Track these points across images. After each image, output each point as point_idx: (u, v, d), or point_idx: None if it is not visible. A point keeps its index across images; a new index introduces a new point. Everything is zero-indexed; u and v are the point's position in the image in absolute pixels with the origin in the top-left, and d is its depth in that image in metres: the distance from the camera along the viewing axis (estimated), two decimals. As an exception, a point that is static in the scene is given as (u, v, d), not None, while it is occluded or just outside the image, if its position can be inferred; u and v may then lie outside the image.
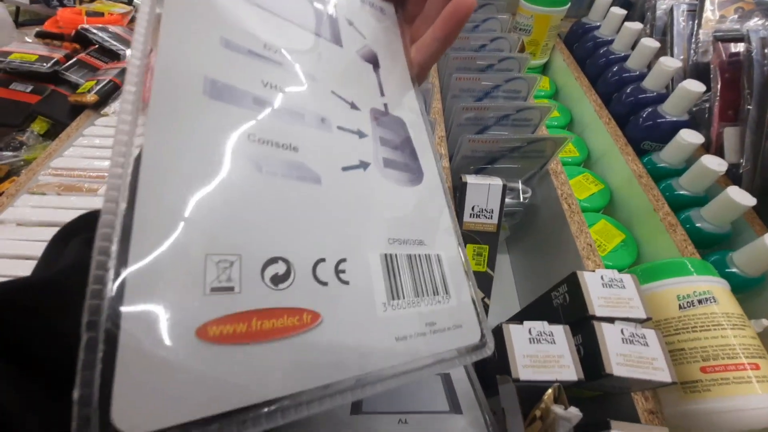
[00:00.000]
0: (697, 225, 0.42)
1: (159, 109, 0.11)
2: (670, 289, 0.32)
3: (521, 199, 0.47)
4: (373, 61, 0.20)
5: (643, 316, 0.27)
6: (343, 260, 0.13)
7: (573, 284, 0.29)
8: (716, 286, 0.31)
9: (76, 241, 0.16)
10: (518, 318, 0.41)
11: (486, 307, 0.44)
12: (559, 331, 0.26)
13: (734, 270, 0.39)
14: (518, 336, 0.25)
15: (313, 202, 0.13)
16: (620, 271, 0.44)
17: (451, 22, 0.20)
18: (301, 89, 0.15)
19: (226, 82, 0.13)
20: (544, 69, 0.74)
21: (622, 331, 0.26)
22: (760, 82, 0.47)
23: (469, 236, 0.41)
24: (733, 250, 0.40)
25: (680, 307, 0.31)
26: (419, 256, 0.15)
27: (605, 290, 0.28)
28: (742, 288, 0.39)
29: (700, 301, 0.30)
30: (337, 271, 0.12)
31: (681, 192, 0.46)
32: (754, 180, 0.46)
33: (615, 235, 0.46)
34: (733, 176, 0.48)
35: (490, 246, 0.41)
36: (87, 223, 0.18)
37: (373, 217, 0.15)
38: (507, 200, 0.48)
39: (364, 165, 0.15)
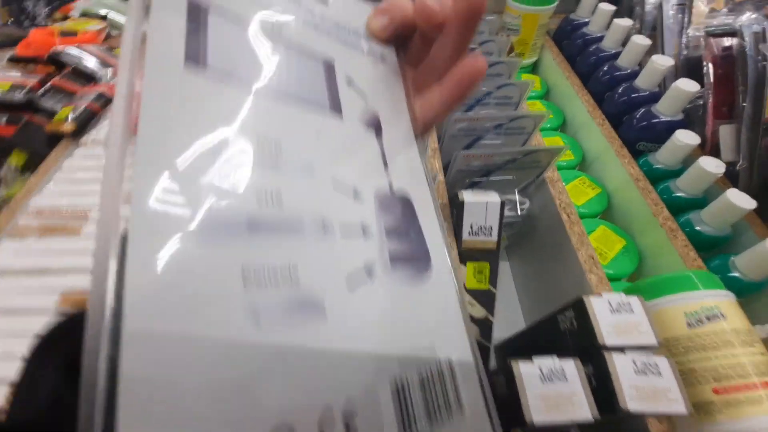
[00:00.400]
0: (696, 228, 0.42)
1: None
2: (676, 306, 0.31)
3: (518, 212, 0.46)
4: (376, 125, 0.18)
5: (654, 342, 0.27)
6: (352, 409, 0.12)
7: (580, 310, 0.29)
8: (723, 300, 0.31)
9: (51, 371, 0.15)
10: (524, 339, 0.41)
11: (490, 325, 0.43)
12: (571, 367, 0.25)
13: (736, 274, 0.38)
14: (529, 376, 0.25)
15: (319, 346, 0.12)
16: (623, 279, 0.44)
17: (462, 86, 0.18)
18: (300, 190, 0.14)
19: (218, 214, 0.12)
20: (533, 68, 0.73)
21: (634, 362, 0.25)
22: (754, 77, 0.47)
23: (468, 254, 0.40)
24: (735, 253, 0.39)
25: (689, 325, 0.30)
26: (431, 374, 0.14)
27: (614, 316, 0.27)
28: (745, 292, 0.38)
29: (708, 318, 0.30)
30: (347, 426, 0.12)
31: (679, 194, 0.45)
32: (751, 178, 0.46)
33: (615, 241, 0.45)
34: (730, 174, 0.48)
35: (491, 263, 0.41)
36: (64, 335, 0.17)
37: (383, 338, 0.14)
38: (505, 213, 0.47)
39: (369, 272, 0.14)
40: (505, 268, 0.57)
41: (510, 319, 0.52)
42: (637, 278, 0.44)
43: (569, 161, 0.55)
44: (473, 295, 0.42)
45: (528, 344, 0.39)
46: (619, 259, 0.44)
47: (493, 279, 0.41)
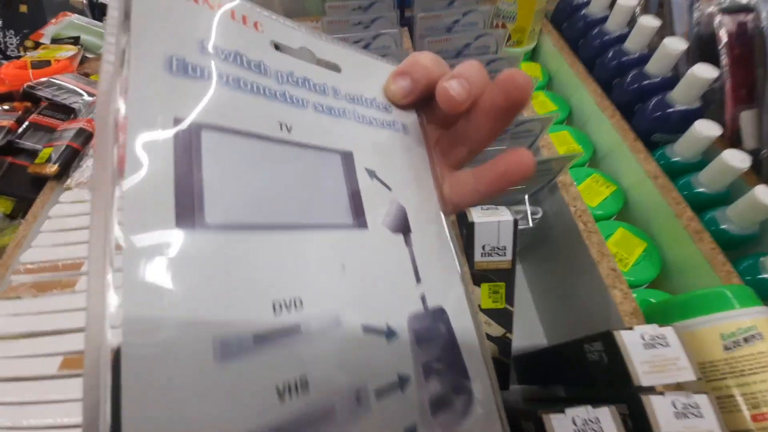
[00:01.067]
0: (722, 227, 0.40)
1: None
2: (712, 327, 0.29)
3: (530, 224, 0.43)
4: (403, 225, 0.16)
5: (693, 378, 0.25)
6: None
7: (610, 345, 0.27)
8: (760, 317, 0.29)
9: None
10: (546, 360, 0.39)
11: (509, 341, 0.42)
12: (606, 416, 0.23)
13: (767, 276, 0.36)
14: (562, 429, 0.23)
15: None
16: (646, 285, 0.42)
17: (502, 183, 0.16)
18: (328, 363, 0.12)
19: None
20: (532, 54, 0.69)
21: (673, 404, 0.24)
22: (774, 55, 0.43)
23: (482, 275, 0.38)
24: (764, 252, 0.37)
25: (725, 348, 0.28)
26: None
27: (648, 352, 0.26)
28: (779, 294, 0.36)
29: (746, 339, 0.28)
30: None
31: (700, 190, 0.42)
32: (776, 166, 0.43)
33: (636, 244, 0.43)
34: (753, 163, 0.45)
35: (507, 282, 0.39)
36: None
37: None
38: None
39: None
40: (518, 271, 0.55)
41: (527, 328, 0.51)
42: (660, 283, 0.42)
43: (580, 158, 0.52)
44: (489, 315, 0.40)
45: (551, 367, 0.37)
46: (641, 264, 0.42)
47: (509, 298, 0.39)
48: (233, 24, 0.14)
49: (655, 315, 0.33)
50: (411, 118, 0.19)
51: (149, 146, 0.11)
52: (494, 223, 0.37)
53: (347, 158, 0.16)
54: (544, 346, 0.49)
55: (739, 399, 0.27)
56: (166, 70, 0.12)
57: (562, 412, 0.24)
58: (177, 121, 0.11)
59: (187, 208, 0.11)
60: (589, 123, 0.55)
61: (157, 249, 0.10)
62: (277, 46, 0.15)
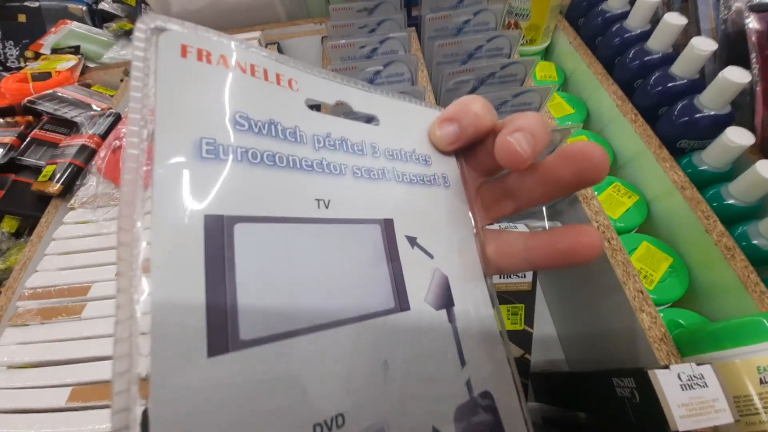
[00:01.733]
0: (754, 242, 0.37)
1: None
2: (747, 359, 0.27)
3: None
4: (447, 299, 0.15)
5: (731, 420, 0.23)
6: None
7: (643, 384, 0.25)
8: (804, 350, 0.27)
9: None
10: (570, 387, 0.38)
11: (527, 363, 0.40)
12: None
13: (806, 296, 0.34)
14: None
15: None
16: (671, 303, 0.40)
17: (564, 260, 0.15)
18: None
19: None
20: (546, 53, 0.66)
21: (714, 453, 0.22)
22: (811, 55, 0.40)
23: (501, 297, 0.37)
24: (802, 269, 0.35)
25: (762, 382, 0.26)
26: None
27: (685, 394, 0.24)
28: (817, 315, 0.34)
29: (789, 375, 0.26)
30: None
31: (731, 202, 0.40)
32: (813, 175, 0.40)
33: (661, 259, 0.41)
34: (786, 170, 0.42)
35: (526, 304, 0.37)
36: None
37: None
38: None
39: None
40: (539, 297, 0.53)
41: (545, 344, 0.49)
42: (688, 301, 0.40)
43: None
44: (508, 336, 0.39)
45: (574, 394, 0.36)
46: (667, 282, 0.40)
47: (529, 319, 0.38)
48: (266, 86, 0.13)
49: (685, 344, 0.31)
50: (451, 165, 0.17)
51: (176, 256, 0.09)
52: (513, 243, 0.35)
53: (388, 227, 0.14)
54: (563, 364, 0.48)
55: (780, 437, 0.25)
56: (196, 157, 0.10)
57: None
58: (208, 219, 0.10)
59: (220, 331, 0.09)
60: (608, 127, 0.53)
61: (188, 386, 0.09)
62: (312, 105, 0.14)
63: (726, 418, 0.23)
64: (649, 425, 0.24)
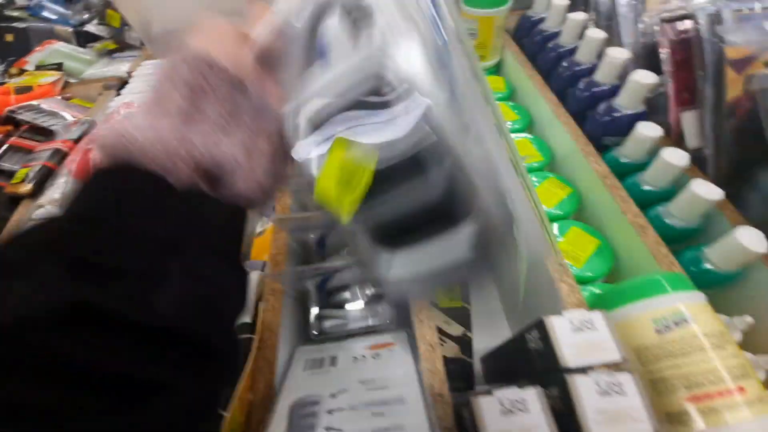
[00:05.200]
0: (666, 222, 0.41)
1: None
2: (644, 312, 0.30)
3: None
4: None
5: (618, 358, 0.26)
6: None
7: (543, 331, 0.28)
8: (692, 302, 0.30)
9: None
10: (502, 354, 0.40)
11: (469, 340, 0.42)
12: (532, 397, 0.24)
13: (709, 266, 0.38)
14: (490, 410, 0.24)
15: None
16: (599, 281, 0.43)
17: None
18: None
19: None
20: (497, 69, 0.73)
21: (597, 383, 0.25)
22: (712, 61, 0.46)
23: (438, 275, 0.40)
24: (707, 243, 0.39)
25: (657, 332, 0.29)
26: None
27: (576, 336, 0.27)
28: (719, 284, 0.38)
29: (676, 323, 0.29)
30: None
31: (647, 188, 0.44)
32: (719, 163, 0.45)
33: (589, 242, 0.45)
34: (698, 160, 0.47)
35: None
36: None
37: None
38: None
39: None
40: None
41: (494, 328, 0.51)
42: (614, 278, 0.44)
43: (539, 162, 0.55)
44: (448, 314, 0.41)
45: (504, 360, 0.38)
46: (594, 261, 0.43)
47: (465, 295, 0.41)
48: None
49: (597, 305, 0.34)
50: None
51: None
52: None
53: None
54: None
55: (673, 381, 0.28)
56: None
57: (491, 394, 0.25)
58: None
59: None
60: (547, 130, 0.58)
61: None
62: None
63: (613, 355, 0.26)
64: (549, 368, 0.27)
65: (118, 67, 0.78)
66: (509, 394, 0.25)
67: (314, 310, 0.39)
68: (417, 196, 0.17)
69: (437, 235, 0.18)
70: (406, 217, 0.17)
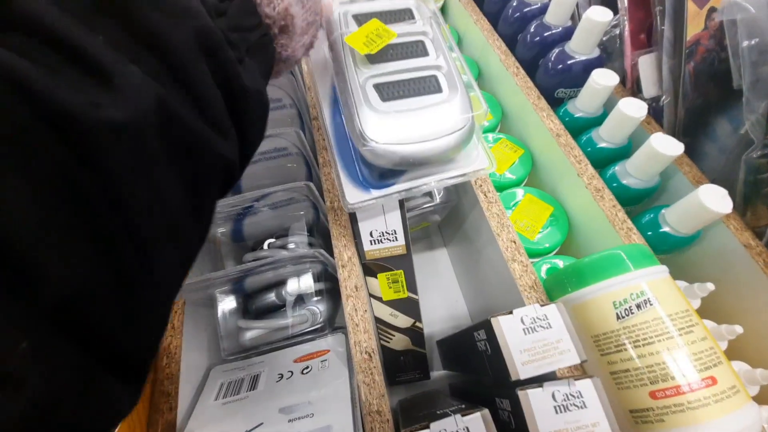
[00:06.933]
0: (623, 182, 0.37)
1: None
2: (604, 294, 0.26)
3: (436, 200, 0.39)
4: None
5: (577, 360, 0.22)
6: None
7: (490, 333, 0.23)
8: (654, 279, 0.26)
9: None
10: (454, 347, 0.36)
11: (420, 330, 0.38)
12: (477, 424, 0.20)
13: (667, 230, 0.34)
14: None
15: None
16: (554, 252, 0.39)
17: None
18: None
19: None
20: (441, 14, 0.64)
21: (553, 396, 0.20)
22: (670, -6, 0.41)
23: (376, 266, 0.34)
24: (667, 204, 0.35)
25: (618, 317, 0.26)
26: None
27: (528, 338, 0.22)
28: (679, 247, 0.35)
29: (638, 306, 0.25)
30: None
31: (603, 145, 0.40)
32: (676, 113, 0.41)
33: (543, 209, 0.40)
34: (654, 111, 0.43)
35: (405, 269, 0.35)
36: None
37: None
38: (420, 202, 0.40)
39: None
40: (443, 255, 0.51)
41: (453, 311, 0.47)
42: (570, 246, 0.40)
43: (489, 122, 0.49)
44: (393, 307, 0.36)
45: (459, 355, 0.34)
46: (549, 230, 0.39)
47: (411, 285, 0.36)
48: None
49: (553, 287, 0.30)
50: None
51: None
52: (377, 204, 0.32)
53: None
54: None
55: (638, 373, 0.24)
56: None
57: (428, 427, 0.20)
58: None
59: None
60: (497, 84, 0.51)
61: None
62: None
63: (571, 359, 0.22)
64: (500, 378, 0.22)
65: None
66: (449, 425, 0.20)
67: (229, 322, 0.32)
68: None
69: None
70: None
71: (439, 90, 0.27)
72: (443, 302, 0.48)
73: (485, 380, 0.27)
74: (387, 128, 0.25)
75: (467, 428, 0.20)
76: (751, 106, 0.32)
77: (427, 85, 0.27)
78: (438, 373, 0.43)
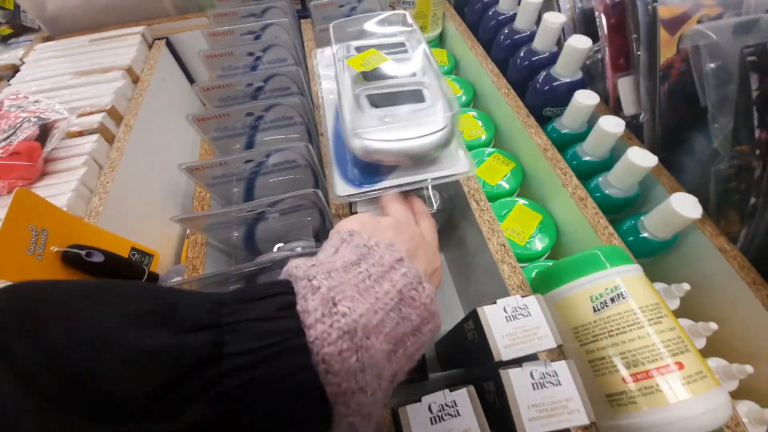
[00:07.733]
0: (606, 192, 0.40)
1: None
2: (582, 290, 0.29)
3: (434, 208, 0.42)
4: None
5: (553, 344, 0.24)
6: None
7: (477, 322, 0.26)
8: (627, 275, 0.29)
9: None
10: (447, 343, 0.38)
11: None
12: (463, 398, 0.22)
13: (646, 235, 0.37)
14: (418, 419, 0.22)
15: None
16: (543, 257, 0.42)
17: None
18: None
19: None
20: (440, 41, 0.69)
21: (531, 375, 0.23)
22: (646, 23, 0.45)
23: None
24: (647, 211, 0.38)
25: (594, 310, 0.28)
26: None
27: (510, 324, 0.25)
28: (658, 251, 0.37)
29: (612, 300, 0.28)
30: None
31: (587, 158, 0.43)
32: (654, 129, 0.45)
33: (532, 218, 0.43)
34: (634, 128, 0.47)
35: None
36: None
37: None
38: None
39: None
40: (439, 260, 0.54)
41: (451, 315, 0.50)
42: (558, 251, 0.43)
43: (483, 139, 0.52)
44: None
45: (452, 348, 0.36)
46: (537, 237, 0.42)
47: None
48: None
49: (538, 286, 0.33)
50: None
51: None
52: (377, 207, 0.35)
53: None
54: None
55: (613, 360, 0.27)
56: None
57: (419, 401, 0.22)
58: None
59: None
60: (489, 103, 0.55)
61: None
62: None
63: (548, 343, 0.24)
64: (485, 360, 0.25)
65: (14, 54, 0.68)
66: (438, 398, 0.22)
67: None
68: None
69: None
70: None
71: (422, 100, 0.30)
72: (440, 304, 0.50)
73: (475, 370, 0.30)
74: (374, 128, 0.29)
75: (455, 401, 0.22)
76: (716, 121, 0.36)
77: (412, 96, 0.31)
78: (435, 375, 0.45)
